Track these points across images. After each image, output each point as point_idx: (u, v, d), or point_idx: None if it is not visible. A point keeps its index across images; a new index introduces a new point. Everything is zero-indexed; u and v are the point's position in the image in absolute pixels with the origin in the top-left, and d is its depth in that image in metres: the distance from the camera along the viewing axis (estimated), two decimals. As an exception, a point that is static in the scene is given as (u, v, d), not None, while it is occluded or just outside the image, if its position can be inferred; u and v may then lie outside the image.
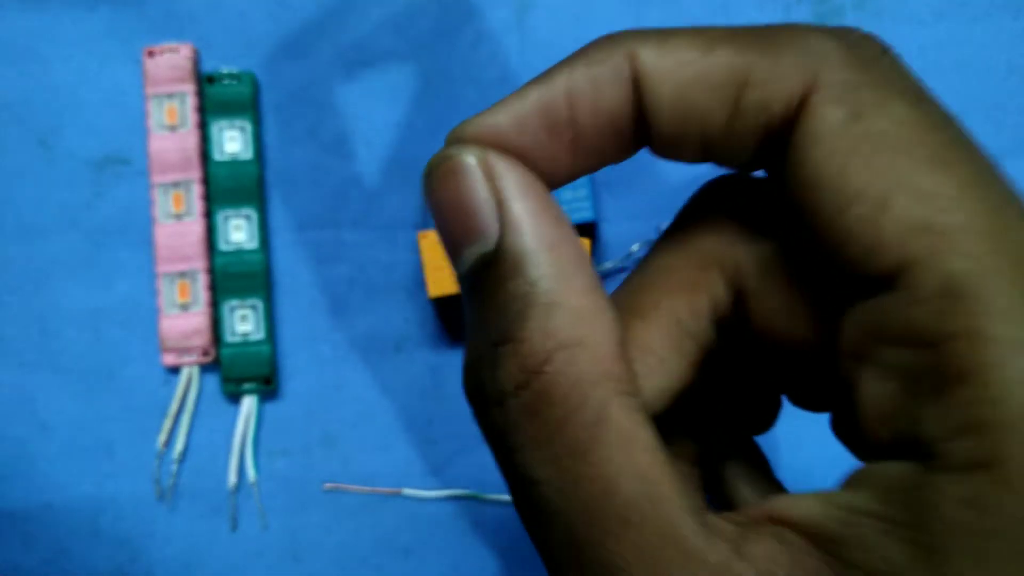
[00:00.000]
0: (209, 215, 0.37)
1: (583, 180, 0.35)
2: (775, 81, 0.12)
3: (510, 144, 0.13)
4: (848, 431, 0.15)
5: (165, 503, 0.37)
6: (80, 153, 0.38)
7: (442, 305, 0.37)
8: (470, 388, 0.14)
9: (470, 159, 0.13)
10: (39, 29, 0.38)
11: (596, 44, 0.13)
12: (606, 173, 0.37)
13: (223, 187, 0.37)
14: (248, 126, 0.37)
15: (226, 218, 0.37)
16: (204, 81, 0.37)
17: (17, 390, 0.37)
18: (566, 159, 0.14)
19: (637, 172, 0.37)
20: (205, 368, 0.37)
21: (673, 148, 0.14)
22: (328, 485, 0.37)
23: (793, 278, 0.14)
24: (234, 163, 0.37)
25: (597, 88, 0.13)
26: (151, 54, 0.37)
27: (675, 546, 0.12)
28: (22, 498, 0.37)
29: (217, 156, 0.37)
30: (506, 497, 0.36)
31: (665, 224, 0.18)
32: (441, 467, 0.37)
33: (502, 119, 0.13)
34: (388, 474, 0.37)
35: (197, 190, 0.37)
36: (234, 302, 0.37)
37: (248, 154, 0.37)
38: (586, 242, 0.35)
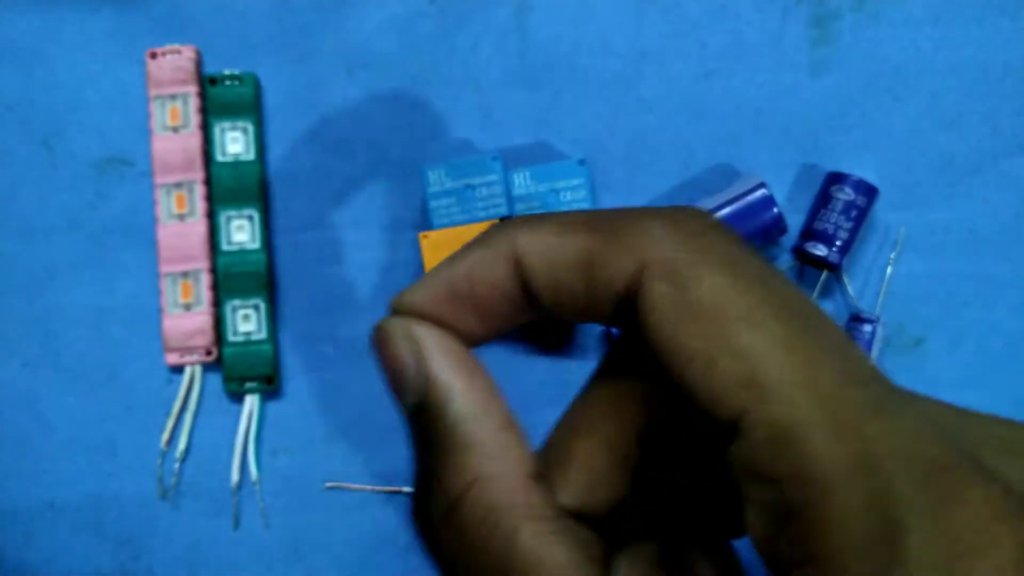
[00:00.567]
0: (211, 215, 0.37)
1: (583, 181, 0.36)
2: (613, 263, 0.15)
3: (429, 314, 0.16)
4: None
5: (167, 501, 0.37)
6: (83, 154, 0.38)
7: (443, 305, 0.37)
8: (413, 512, 0.16)
9: (396, 327, 0.16)
10: (43, 31, 0.38)
11: (490, 231, 0.16)
12: (606, 173, 0.37)
13: (225, 188, 0.37)
14: (250, 127, 0.37)
15: (228, 218, 0.37)
16: (207, 83, 0.37)
17: (21, 389, 0.37)
18: (476, 323, 0.16)
19: (637, 172, 0.38)
20: (207, 367, 0.37)
21: (557, 310, 0.16)
22: (329, 484, 0.38)
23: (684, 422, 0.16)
24: (236, 164, 0.37)
25: (489, 268, 0.16)
26: (154, 56, 0.37)
27: None
28: (25, 496, 0.37)
29: (219, 157, 0.37)
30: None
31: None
32: (442, 466, 0.38)
33: (419, 295, 0.16)
34: (389, 473, 0.38)
35: (200, 191, 0.37)
36: (236, 302, 0.37)
37: (250, 155, 0.37)
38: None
